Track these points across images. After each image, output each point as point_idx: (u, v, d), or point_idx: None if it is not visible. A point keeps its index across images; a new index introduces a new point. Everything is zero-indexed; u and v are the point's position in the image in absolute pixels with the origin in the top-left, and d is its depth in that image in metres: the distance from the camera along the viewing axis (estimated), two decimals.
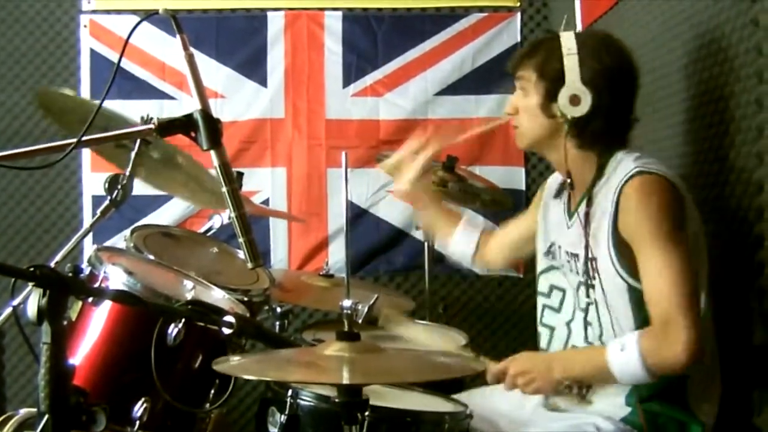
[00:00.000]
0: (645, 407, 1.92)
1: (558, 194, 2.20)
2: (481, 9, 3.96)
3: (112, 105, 3.66)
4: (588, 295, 2.01)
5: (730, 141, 2.06)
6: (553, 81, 1.98)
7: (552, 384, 1.98)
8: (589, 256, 1.98)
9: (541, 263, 2.23)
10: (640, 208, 1.88)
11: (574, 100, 1.96)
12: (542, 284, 2.22)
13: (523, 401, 2.16)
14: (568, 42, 1.99)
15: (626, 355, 1.84)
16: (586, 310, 2.03)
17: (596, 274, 1.97)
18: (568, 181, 2.10)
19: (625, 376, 1.86)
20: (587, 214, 1.99)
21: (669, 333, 1.82)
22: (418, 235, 3.50)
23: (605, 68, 1.98)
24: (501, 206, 3.43)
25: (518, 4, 3.96)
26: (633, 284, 1.92)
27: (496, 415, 2.14)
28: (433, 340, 2.54)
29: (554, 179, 2.27)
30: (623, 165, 1.96)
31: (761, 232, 1.90)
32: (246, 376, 1.55)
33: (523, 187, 3.90)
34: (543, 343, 2.20)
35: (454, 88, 3.94)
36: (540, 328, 2.21)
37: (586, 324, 2.04)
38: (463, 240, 2.51)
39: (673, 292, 1.83)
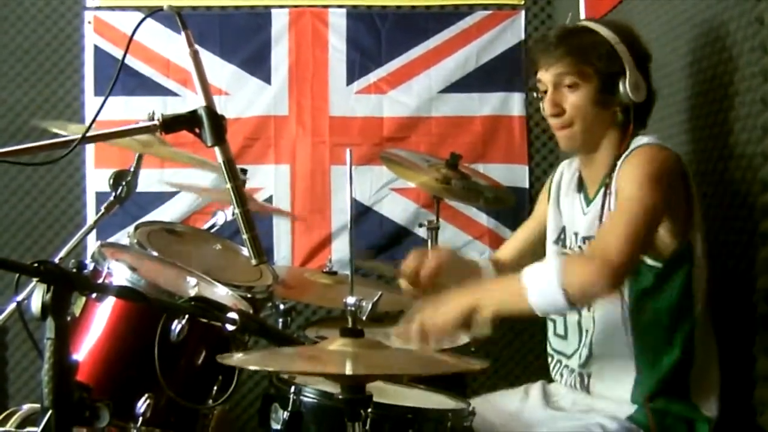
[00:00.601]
0: (652, 406, 1.91)
1: (579, 188, 2.17)
2: (485, 7, 3.96)
3: (116, 102, 3.73)
4: None
5: (734, 140, 2.06)
6: (610, 71, 1.96)
7: (458, 311, 1.80)
8: None
9: (550, 251, 2.22)
10: (630, 166, 1.91)
11: (637, 87, 1.96)
12: None
13: (525, 404, 2.16)
14: (607, 32, 1.98)
15: (541, 267, 1.81)
16: None
17: None
18: (578, 174, 2.13)
19: (539, 294, 1.76)
20: (605, 194, 1.99)
21: (594, 253, 1.81)
22: (421, 232, 3.49)
23: (645, 55, 2.02)
24: (504, 204, 3.43)
25: (522, 2, 3.96)
26: None
27: (500, 419, 2.13)
28: None
29: (565, 171, 2.25)
30: (638, 143, 1.98)
31: (766, 230, 1.90)
32: (250, 367, 1.54)
33: (527, 185, 3.90)
34: (551, 329, 2.19)
35: (458, 86, 3.94)
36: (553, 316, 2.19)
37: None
38: None
39: (622, 221, 1.82)
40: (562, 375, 2.15)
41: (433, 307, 1.85)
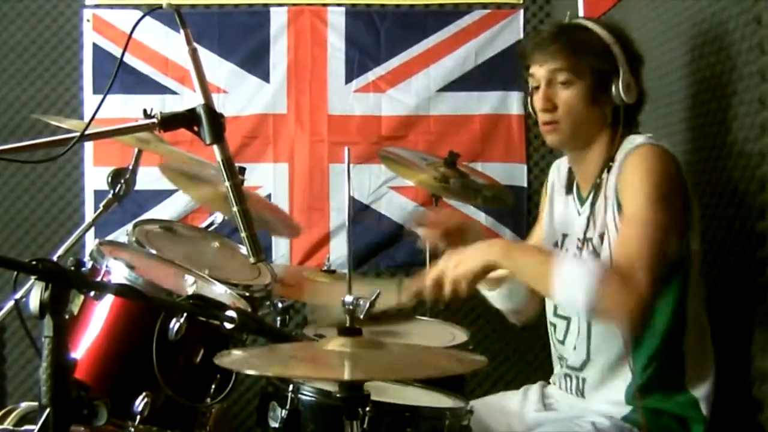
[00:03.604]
0: (645, 404, 1.91)
1: (569, 189, 2.17)
2: (484, 5, 3.96)
3: (115, 100, 3.73)
4: None
5: (732, 139, 2.06)
6: (605, 70, 1.96)
7: (482, 261, 1.84)
8: (599, 232, 1.97)
9: None
10: (635, 170, 1.89)
11: (629, 88, 1.95)
12: None
13: (523, 407, 2.16)
14: (601, 31, 1.98)
15: (579, 268, 1.81)
16: None
17: (603, 250, 1.95)
18: (568, 169, 2.13)
19: (565, 287, 1.77)
20: (596, 192, 2.00)
21: (627, 284, 1.75)
22: (419, 231, 3.49)
23: (638, 57, 2.02)
24: (502, 203, 3.43)
25: (521, 1, 3.96)
26: None
27: (497, 421, 2.13)
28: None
29: (556, 174, 2.25)
30: (633, 142, 1.96)
31: (763, 230, 1.91)
32: (248, 371, 1.55)
33: (525, 184, 3.90)
34: (559, 335, 2.16)
35: (457, 85, 3.94)
36: (554, 319, 2.17)
37: None
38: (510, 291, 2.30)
39: (644, 247, 1.79)
40: (563, 379, 2.14)
41: (456, 256, 1.87)
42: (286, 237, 3.74)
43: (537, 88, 2.05)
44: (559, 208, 2.19)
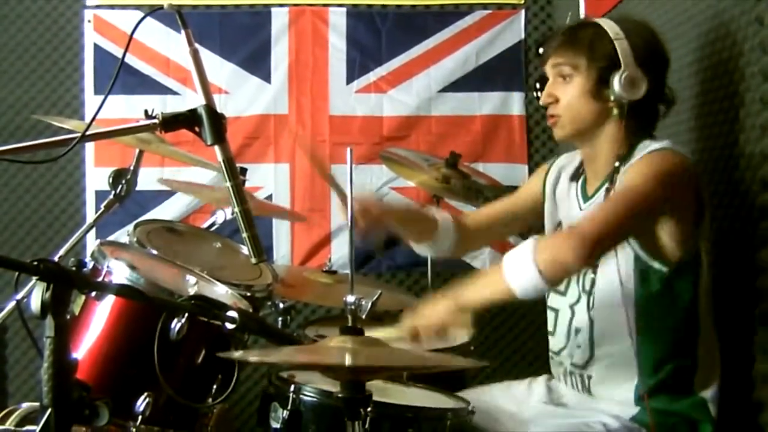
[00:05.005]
0: (653, 405, 1.90)
1: (575, 177, 2.17)
2: (485, 6, 3.96)
3: (116, 100, 3.73)
4: (594, 272, 1.98)
5: (734, 139, 2.06)
6: (606, 64, 1.94)
7: (444, 312, 1.87)
8: None
9: None
10: (637, 165, 1.90)
11: (632, 83, 1.93)
12: None
13: (528, 398, 2.16)
14: (612, 27, 1.97)
15: (518, 248, 1.81)
16: (590, 291, 2.01)
17: None
18: (579, 165, 2.13)
19: (516, 274, 1.78)
20: (605, 198, 1.97)
21: (571, 233, 1.81)
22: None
23: (655, 53, 2.00)
24: None
25: (522, 2, 3.96)
26: (640, 254, 1.91)
27: (500, 413, 2.12)
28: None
29: (568, 160, 2.24)
30: (647, 148, 1.95)
31: (765, 230, 1.90)
32: (250, 359, 1.54)
33: None
34: (549, 326, 2.17)
35: (458, 85, 3.94)
36: (547, 311, 2.18)
37: (591, 303, 2.01)
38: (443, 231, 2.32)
39: (605, 206, 1.84)
40: (560, 374, 2.14)
41: (423, 308, 1.90)
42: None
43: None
44: (562, 192, 2.20)
